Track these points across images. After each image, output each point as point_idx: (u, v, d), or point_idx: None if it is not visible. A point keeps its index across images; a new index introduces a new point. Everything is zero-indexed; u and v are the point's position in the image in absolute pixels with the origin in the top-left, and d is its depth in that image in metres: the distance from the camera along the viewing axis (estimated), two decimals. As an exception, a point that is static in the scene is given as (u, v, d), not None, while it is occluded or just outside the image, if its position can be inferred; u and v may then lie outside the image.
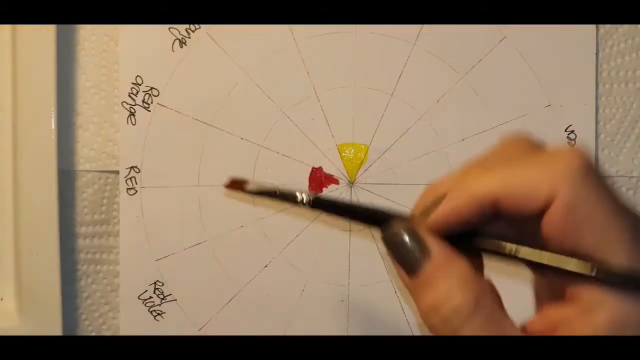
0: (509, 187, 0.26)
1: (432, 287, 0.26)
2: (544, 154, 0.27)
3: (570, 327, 0.25)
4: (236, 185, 0.36)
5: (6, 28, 0.43)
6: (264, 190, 0.34)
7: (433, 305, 0.25)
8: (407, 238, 0.27)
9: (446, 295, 0.25)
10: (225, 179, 0.45)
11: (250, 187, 0.35)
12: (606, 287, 0.24)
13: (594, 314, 0.24)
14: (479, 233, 0.27)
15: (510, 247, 0.26)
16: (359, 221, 0.31)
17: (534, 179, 0.25)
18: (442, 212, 0.26)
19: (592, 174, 0.25)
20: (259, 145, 0.45)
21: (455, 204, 0.26)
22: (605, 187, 0.25)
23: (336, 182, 0.45)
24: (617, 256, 0.24)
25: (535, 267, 0.26)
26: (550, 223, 0.25)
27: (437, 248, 0.26)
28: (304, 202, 0.32)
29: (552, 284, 0.28)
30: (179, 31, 0.44)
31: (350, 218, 0.32)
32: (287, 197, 0.33)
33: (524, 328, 0.27)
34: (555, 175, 0.25)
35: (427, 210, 0.27)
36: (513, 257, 0.26)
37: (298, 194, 0.32)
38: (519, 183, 0.25)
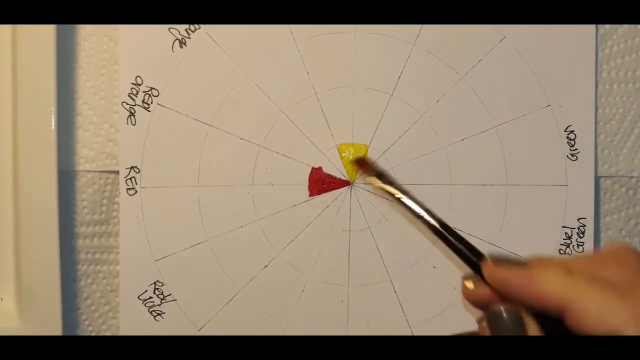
0: (581, 305, 0.27)
1: None
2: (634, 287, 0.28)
3: None
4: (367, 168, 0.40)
5: (6, 28, 0.43)
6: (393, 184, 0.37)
7: None
8: (510, 322, 0.28)
9: None
10: (224, 180, 0.45)
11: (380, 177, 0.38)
12: None
13: None
14: None
15: None
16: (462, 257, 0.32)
17: (603, 312, 0.27)
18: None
19: None
20: (258, 145, 0.45)
21: (528, 289, 0.28)
22: None
23: (336, 182, 0.45)
24: None
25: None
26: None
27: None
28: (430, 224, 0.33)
29: None
30: (179, 31, 0.44)
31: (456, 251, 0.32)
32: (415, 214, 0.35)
33: None
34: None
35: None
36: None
37: (426, 215, 0.34)
38: (591, 309, 0.27)
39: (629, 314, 0.26)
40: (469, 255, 0.31)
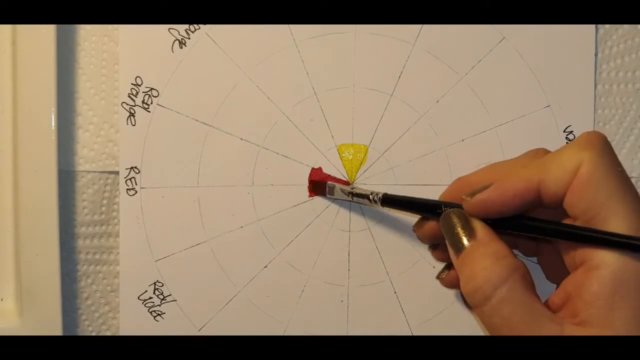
0: (548, 170, 0.31)
1: (474, 262, 0.31)
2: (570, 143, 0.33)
3: (579, 288, 0.29)
4: (316, 188, 0.45)
5: (6, 28, 0.43)
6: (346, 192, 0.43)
7: (471, 276, 0.30)
8: (458, 222, 0.33)
9: (482, 266, 0.30)
10: (224, 180, 0.45)
11: (331, 190, 0.44)
12: (611, 248, 0.28)
13: (599, 270, 0.28)
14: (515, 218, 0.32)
15: (552, 227, 0.31)
16: (422, 213, 0.39)
17: (564, 156, 0.30)
18: (489, 198, 0.32)
19: (609, 150, 0.30)
20: (258, 145, 0.45)
21: (503, 192, 0.32)
22: (618, 163, 0.30)
23: (338, 182, 0.45)
24: (620, 219, 0.28)
25: (570, 240, 0.31)
26: (574, 190, 0.30)
27: (481, 231, 0.32)
28: (375, 200, 0.40)
29: (567, 261, 0.32)
30: (179, 32, 0.44)
31: (414, 211, 0.39)
32: (361, 196, 0.42)
33: (547, 305, 0.31)
34: (580, 147, 0.30)
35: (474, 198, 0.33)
36: (551, 235, 0.31)
37: (370, 195, 0.41)
38: (556, 165, 0.30)
39: (581, 148, 0.30)
40: (426, 207, 0.37)
